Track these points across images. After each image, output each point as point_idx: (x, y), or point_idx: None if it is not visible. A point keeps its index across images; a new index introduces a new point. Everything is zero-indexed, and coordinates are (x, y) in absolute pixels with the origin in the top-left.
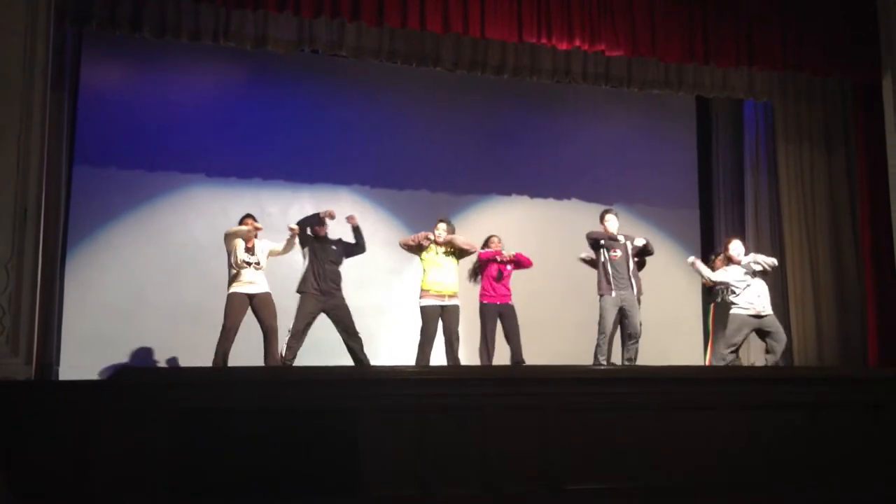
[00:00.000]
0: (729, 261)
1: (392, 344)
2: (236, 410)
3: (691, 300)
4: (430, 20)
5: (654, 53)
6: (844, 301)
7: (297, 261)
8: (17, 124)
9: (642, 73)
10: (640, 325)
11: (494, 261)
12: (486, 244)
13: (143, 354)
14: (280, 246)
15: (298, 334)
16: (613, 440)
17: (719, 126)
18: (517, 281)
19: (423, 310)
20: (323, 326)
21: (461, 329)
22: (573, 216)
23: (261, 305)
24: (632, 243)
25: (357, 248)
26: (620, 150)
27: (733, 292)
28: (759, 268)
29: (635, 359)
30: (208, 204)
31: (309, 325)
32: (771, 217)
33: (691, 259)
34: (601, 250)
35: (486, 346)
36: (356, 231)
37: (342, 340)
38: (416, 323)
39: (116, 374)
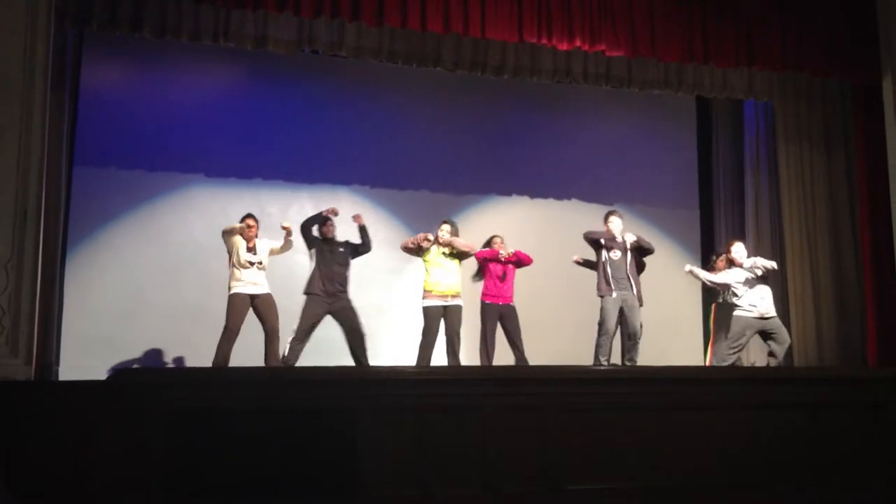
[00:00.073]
0: (731, 263)
1: (392, 344)
2: (235, 410)
3: (691, 300)
4: (430, 20)
5: (655, 54)
6: (844, 301)
7: (297, 261)
8: (18, 124)
9: (642, 73)
10: (641, 326)
11: (496, 260)
12: (488, 244)
13: (143, 355)
14: (279, 244)
15: (302, 336)
16: (613, 440)
17: (719, 126)
18: (517, 281)
19: (426, 310)
20: (323, 326)
21: (462, 329)
22: (573, 216)
23: (263, 306)
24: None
25: (363, 247)
26: (621, 151)
27: (735, 294)
28: (760, 272)
29: (636, 359)
30: (208, 204)
31: (314, 326)
32: (771, 217)
33: (688, 268)
34: (601, 251)
35: (486, 346)
36: (362, 230)
37: (346, 342)
38: (417, 323)
39: (116, 375)
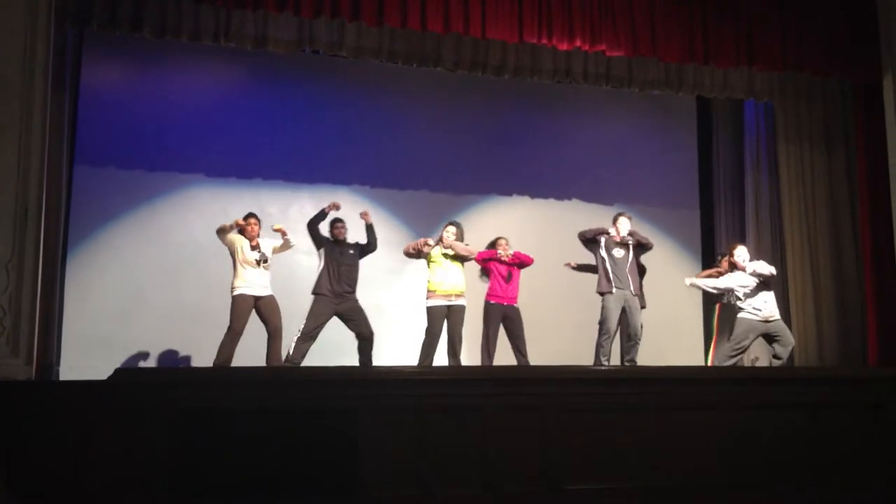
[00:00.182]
0: (733, 266)
1: (392, 344)
2: (236, 410)
3: (691, 300)
4: (430, 20)
5: (655, 54)
6: (844, 301)
7: (297, 261)
8: (18, 124)
9: (643, 73)
10: (641, 327)
11: (496, 261)
12: (492, 246)
13: (143, 354)
14: (279, 243)
15: (309, 335)
16: (613, 440)
17: (720, 126)
18: None
19: (430, 310)
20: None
21: (463, 329)
22: (573, 216)
23: (266, 308)
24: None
25: (368, 246)
26: (621, 151)
27: (738, 298)
28: (761, 278)
29: (635, 360)
30: (208, 204)
31: (321, 326)
32: (771, 217)
33: (688, 282)
34: (598, 249)
35: (488, 345)
36: (369, 229)
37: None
38: (416, 323)
39: (116, 375)
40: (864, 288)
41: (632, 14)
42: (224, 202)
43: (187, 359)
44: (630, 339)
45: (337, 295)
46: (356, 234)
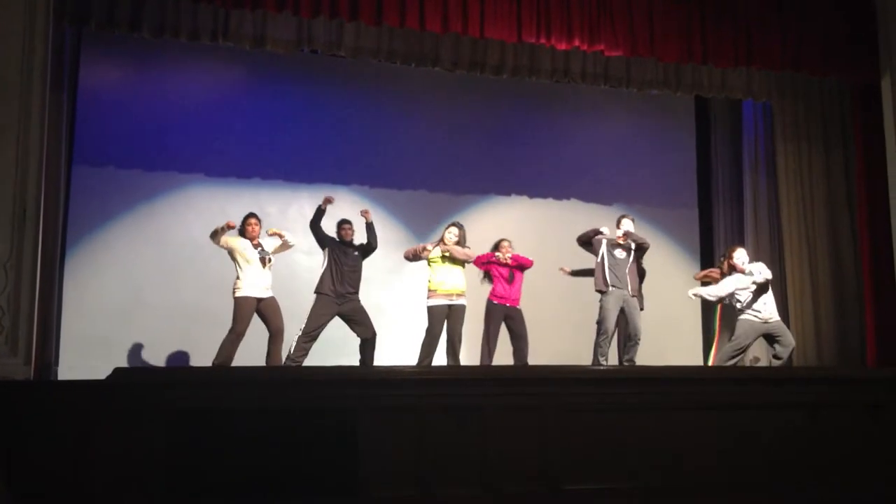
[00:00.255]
0: (732, 269)
1: (392, 344)
2: (236, 410)
3: (690, 300)
4: (429, 20)
5: (653, 53)
6: (843, 301)
7: (297, 261)
8: (16, 124)
9: (641, 73)
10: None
11: (496, 263)
12: (496, 248)
13: (142, 354)
14: (278, 243)
15: (310, 335)
16: (613, 440)
17: (718, 126)
18: None
19: (431, 310)
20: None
21: (463, 329)
22: (573, 216)
23: (268, 310)
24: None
25: (368, 246)
26: (619, 150)
27: (738, 300)
28: (760, 280)
29: (634, 360)
30: (207, 204)
31: (322, 326)
32: (770, 217)
33: (692, 293)
34: (601, 249)
35: (488, 345)
36: (369, 228)
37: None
38: (416, 322)
39: (115, 375)
40: (863, 288)
41: (630, 14)
42: (223, 202)
43: (186, 358)
44: (630, 339)
45: (339, 295)
46: (357, 234)
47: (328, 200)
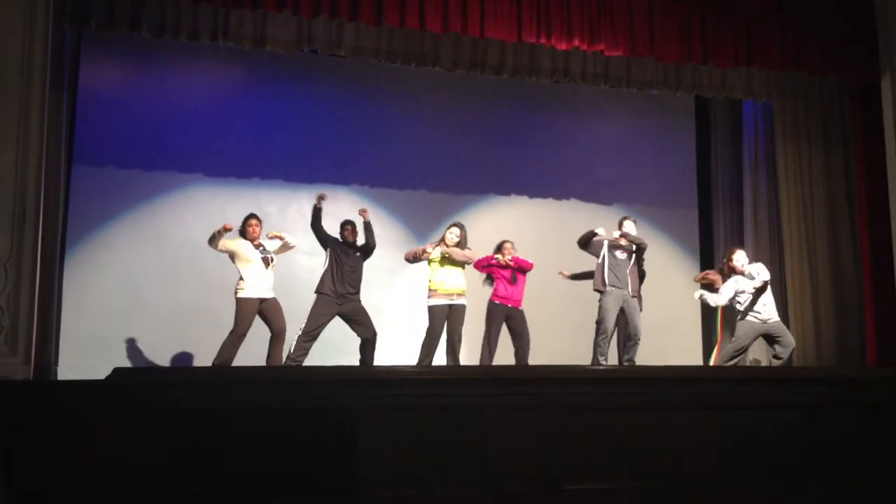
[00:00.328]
0: (732, 271)
1: (392, 344)
2: (236, 410)
3: (690, 300)
4: (429, 20)
5: (653, 53)
6: (843, 301)
7: (297, 261)
8: (16, 124)
9: (641, 73)
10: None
11: (496, 266)
12: (498, 249)
13: (142, 354)
14: (278, 244)
15: (310, 334)
16: (613, 440)
17: (718, 126)
18: None
19: (432, 309)
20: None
21: (463, 328)
22: (572, 216)
23: (271, 311)
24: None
25: (366, 246)
26: (619, 150)
27: (738, 302)
28: (759, 284)
29: (634, 359)
30: (207, 204)
31: (323, 326)
32: (770, 217)
33: (697, 294)
34: (602, 250)
35: (489, 345)
36: (366, 227)
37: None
38: (415, 322)
39: (115, 374)
40: (863, 288)
41: (630, 14)
42: (223, 202)
43: (186, 358)
44: (630, 339)
45: (339, 296)
46: (359, 234)
47: (321, 197)
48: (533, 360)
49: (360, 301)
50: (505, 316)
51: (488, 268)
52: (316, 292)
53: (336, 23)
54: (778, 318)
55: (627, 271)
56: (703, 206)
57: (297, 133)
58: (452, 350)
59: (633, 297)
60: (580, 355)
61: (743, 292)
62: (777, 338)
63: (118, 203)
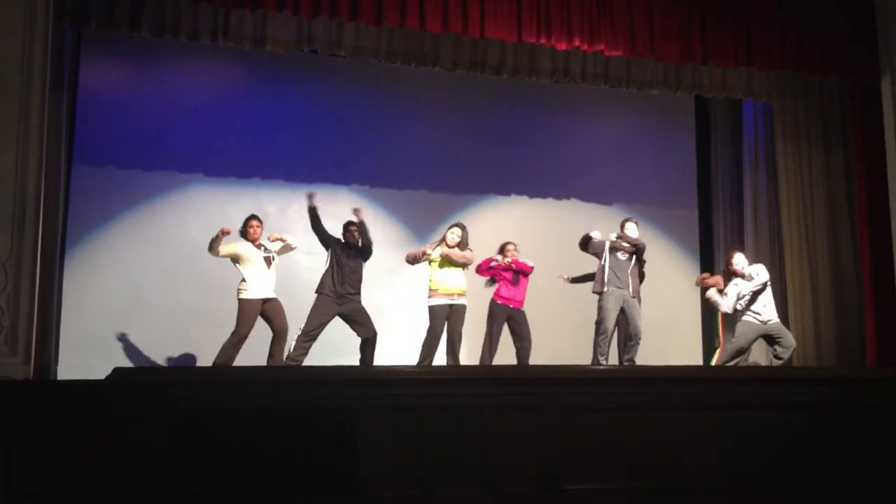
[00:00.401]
0: (732, 274)
1: (392, 344)
2: (236, 410)
3: (690, 300)
4: (429, 20)
5: (653, 53)
6: (843, 301)
7: (297, 261)
8: (16, 124)
9: (641, 73)
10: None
11: (498, 268)
12: (501, 251)
13: (142, 354)
14: (279, 246)
15: (310, 334)
16: (613, 440)
17: (718, 126)
18: None
19: (432, 309)
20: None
21: (463, 328)
22: (572, 216)
23: (273, 310)
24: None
25: (362, 248)
26: (619, 150)
27: (741, 304)
28: (755, 286)
29: (634, 359)
30: (207, 203)
31: (322, 326)
32: (770, 217)
33: (708, 295)
34: (604, 252)
35: (490, 345)
36: (360, 227)
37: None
38: (415, 322)
39: (115, 374)
40: (863, 288)
41: (630, 14)
42: (223, 202)
43: (186, 358)
44: (631, 338)
45: (339, 296)
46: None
47: (311, 196)
48: (533, 360)
49: (360, 302)
50: (506, 317)
51: (490, 270)
52: (316, 292)
53: (336, 23)
54: (778, 320)
55: (628, 271)
56: (703, 206)
57: (297, 133)
58: (452, 350)
59: (634, 297)
60: (580, 355)
61: (745, 295)
62: (777, 338)
63: (118, 203)
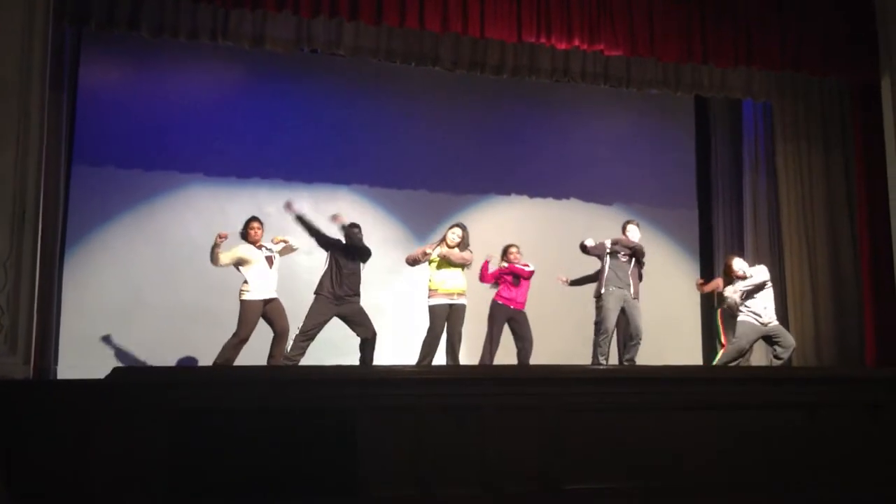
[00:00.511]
0: (735, 278)
1: (392, 344)
2: (236, 410)
3: (690, 300)
4: (428, 20)
5: (653, 53)
6: (842, 301)
7: (297, 262)
8: (16, 124)
9: (641, 72)
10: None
11: (499, 270)
12: (504, 253)
13: (141, 354)
14: (280, 247)
15: (307, 334)
16: (613, 440)
17: (718, 126)
18: None
19: (432, 309)
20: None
21: (463, 328)
22: (572, 216)
23: (274, 311)
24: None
25: (360, 251)
26: (619, 150)
27: (746, 305)
28: (749, 286)
29: (635, 359)
30: (206, 203)
31: (321, 326)
32: (769, 217)
33: (728, 293)
34: (605, 254)
35: (491, 345)
36: (343, 232)
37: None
38: (415, 322)
39: (114, 374)
40: (862, 288)
41: (630, 14)
42: (222, 202)
43: (186, 358)
44: (631, 338)
45: (337, 298)
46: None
47: (288, 206)
48: (533, 360)
49: (358, 303)
50: (507, 317)
51: (492, 276)
52: (315, 294)
53: (336, 22)
54: (777, 322)
55: (629, 272)
56: (703, 206)
57: (297, 133)
58: (452, 350)
59: (635, 297)
60: (580, 355)
61: (746, 290)
62: (777, 339)
63: (118, 203)
